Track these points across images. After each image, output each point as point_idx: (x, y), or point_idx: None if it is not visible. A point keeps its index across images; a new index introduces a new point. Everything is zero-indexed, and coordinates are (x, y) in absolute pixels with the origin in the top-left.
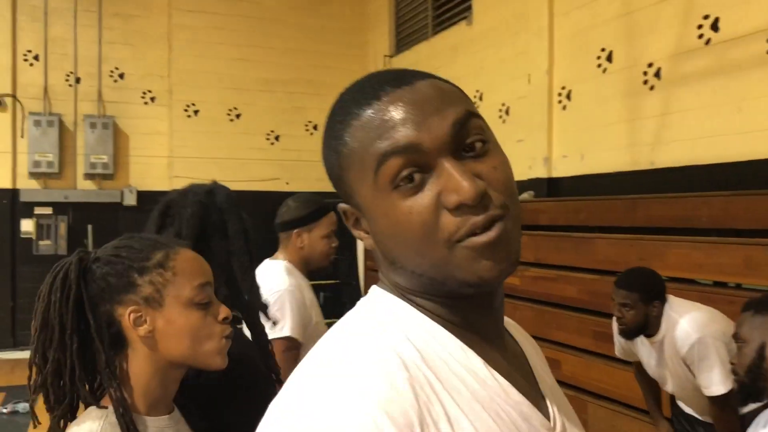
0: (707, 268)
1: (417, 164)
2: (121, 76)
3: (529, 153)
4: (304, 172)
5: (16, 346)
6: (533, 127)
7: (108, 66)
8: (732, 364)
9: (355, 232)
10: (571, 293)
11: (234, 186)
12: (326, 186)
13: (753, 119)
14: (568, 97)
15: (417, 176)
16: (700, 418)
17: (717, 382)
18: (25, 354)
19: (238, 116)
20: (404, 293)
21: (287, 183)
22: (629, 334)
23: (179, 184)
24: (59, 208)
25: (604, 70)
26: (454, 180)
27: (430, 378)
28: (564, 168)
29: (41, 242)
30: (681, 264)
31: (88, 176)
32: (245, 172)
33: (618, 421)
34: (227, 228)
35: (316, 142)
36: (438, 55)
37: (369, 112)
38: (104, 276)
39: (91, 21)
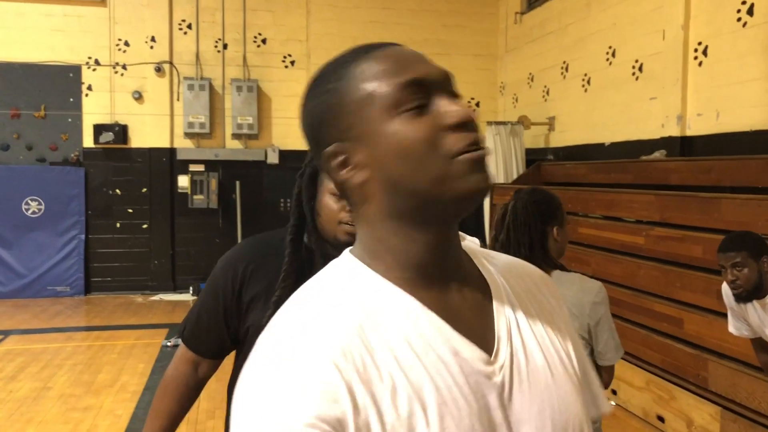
0: None
1: (423, 94)
2: (264, 41)
3: (663, 111)
4: None
5: (176, 289)
6: (667, 84)
7: (252, 32)
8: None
9: (341, 173)
10: (697, 253)
11: None
12: None
13: None
14: (705, 52)
15: (422, 102)
16: None
17: None
18: (183, 296)
19: None
20: (375, 243)
21: None
22: (747, 295)
23: None
24: (210, 165)
25: (744, 24)
26: (456, 105)
27: (368, 346)
28: (698, 126)
29: (195, 196)
30: None
31: (236, 136)
32: None
33: (739, 380)
34: None
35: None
36: (570, 11)
37: (373, 59)
38: None
39: None
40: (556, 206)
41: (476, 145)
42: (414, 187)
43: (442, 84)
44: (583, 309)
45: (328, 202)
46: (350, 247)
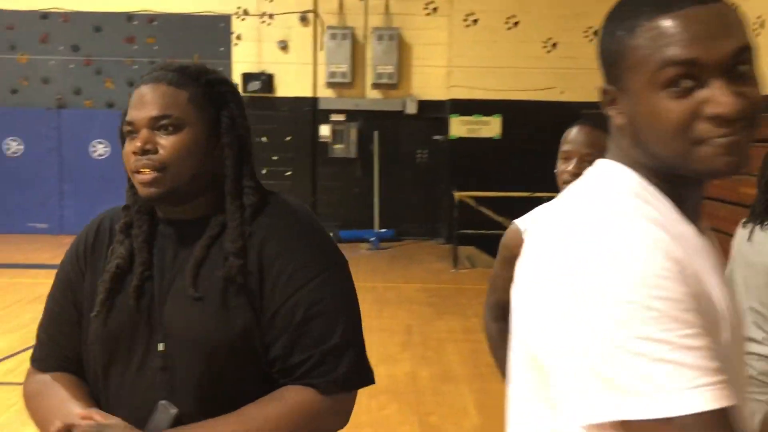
0: None
1: (692, 76)
2: None
3: None
4: (581, 81)
5: None
6: None
7: None
8: None
9: (608, 110)
10: None
11: (509, 95)
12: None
13: None
14: None
15: (687, 84)
16: None
17: None
18: None
19: (515, 24)
20: (639, 167)
21: (562, 92)
22: None
23: (456, 93)
24: (350, 115)
25: None
26: (724, 97)
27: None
28: None
29: (335, 146)
30: None
31: (376, 86)
32: (521, 81)
33: None
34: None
35: (595, 50)
36: None
37: (665, 19)
38: None
39: None
40: None
41: (729, 133)
42: (656, 152)
43: (725, 65)
44: None
45: (124, 147)
46: (611, 154)
